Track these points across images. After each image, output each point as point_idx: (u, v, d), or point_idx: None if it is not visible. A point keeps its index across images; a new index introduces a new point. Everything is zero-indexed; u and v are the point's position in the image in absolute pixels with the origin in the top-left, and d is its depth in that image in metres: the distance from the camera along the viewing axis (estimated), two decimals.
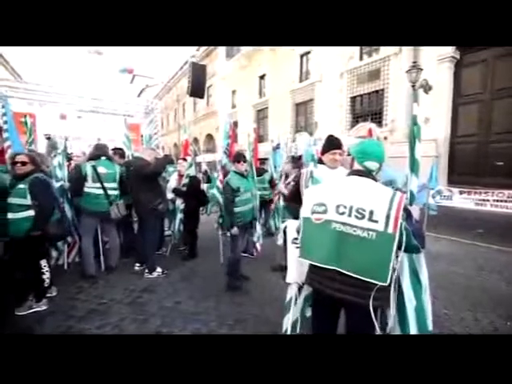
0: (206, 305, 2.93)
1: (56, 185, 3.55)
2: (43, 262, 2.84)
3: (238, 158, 3.24)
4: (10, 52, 18.89)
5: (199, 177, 4.84)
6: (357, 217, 1.26)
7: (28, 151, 3.61)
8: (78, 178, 3.40)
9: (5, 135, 4.04)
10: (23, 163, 2.66)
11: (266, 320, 2.59)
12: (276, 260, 3.65)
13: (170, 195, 4.16)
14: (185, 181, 4.07)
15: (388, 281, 1.19)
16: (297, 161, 3.89)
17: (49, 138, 5.34)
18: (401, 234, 1.18)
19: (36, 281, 2.83)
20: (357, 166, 1.42)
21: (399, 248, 1.21)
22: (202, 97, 9.89)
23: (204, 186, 4.71)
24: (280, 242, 1.99)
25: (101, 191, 3.43)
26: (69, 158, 4.37)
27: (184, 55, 24.56)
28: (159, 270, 3.63)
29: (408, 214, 1.25)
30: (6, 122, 4.05)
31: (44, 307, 2.84)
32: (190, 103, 23.68)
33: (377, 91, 9.75)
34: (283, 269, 3.39)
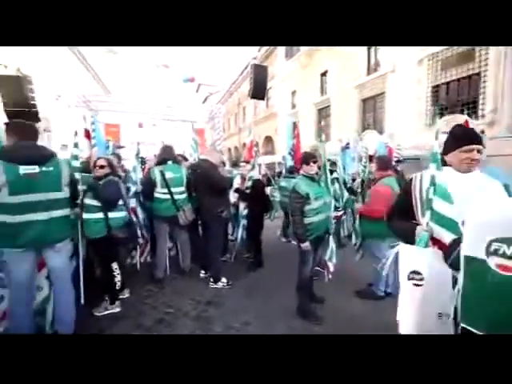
0: (276, 329, 2.61)
1: (132, 188, 3.69)
2: (114, 265, 2.89)
3: (308, 158, 2.73)
4: (101, 68, 21.93)
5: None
6: None
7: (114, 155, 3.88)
8: (148, 184, 3.45)
9: (93, 142, 4.58)
10: (101, 166, 2.79)
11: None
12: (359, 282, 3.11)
13: (232, 199, 3.97)
14: (248, 184, 3.80)
15: None
16: (387, 161, 3.19)
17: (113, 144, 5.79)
18: None
19: (109, 283, 2.89)
20: None
21: None
22: (263, 98, 9.74)
23: (267, 190, 4.42)
24: (383, 269, 1.49)
25: (168, 196, 3.41)
26: (143, 162, 4.63)
27: (244, 61, 25.19)
28: (224, 280, 3.44)
29: None
30: (94, 130, 4.57)
31: (117, 309, 2.90)
32: (250, 107, 24.09)
33: (469, 76, 8.12)
34: (376, 297, 2.93)
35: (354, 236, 3.44)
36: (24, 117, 4.59)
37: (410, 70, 9.72)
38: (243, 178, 3.99)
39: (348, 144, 6.24)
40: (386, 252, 1.38)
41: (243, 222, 3.94)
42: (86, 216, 2.74)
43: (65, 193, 2.26)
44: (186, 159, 4.25)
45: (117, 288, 2.93)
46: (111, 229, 2.74)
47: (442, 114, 8.69)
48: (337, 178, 3.64)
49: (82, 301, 3.02)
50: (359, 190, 4.35)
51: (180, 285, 3.51)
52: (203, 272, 3.69)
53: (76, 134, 3.19)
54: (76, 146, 3.09)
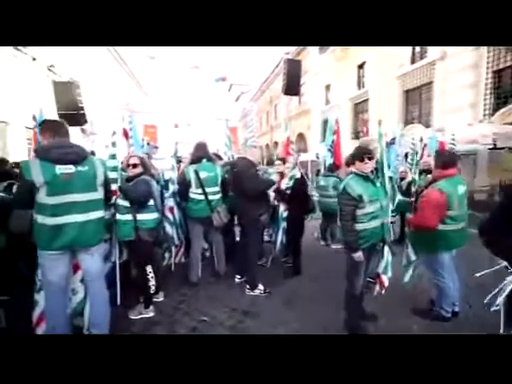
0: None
1: (171, 187, 3.60)
2: (148, 268, 2.78)
3: (362, 154, 2.30)
4: (140, 72, 23.10)
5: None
6: None
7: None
8: (182, 183, 3.32)
9: (131, 141, 4.67)
10: (134, 165, 2.70)
11: None
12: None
13: (271, 199, 3.70)
14: (288, 183, 3.47)
15: None
16: (449, 157, 2.58)
17: (148, 144, 5.84)
18: None
19: (143, 286, 2.80)
20: None
21: None
22: (297, 94, 9.38)
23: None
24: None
25: (203, 197, 3.25)
26: (179, 161, 4.58)
27: (275, 58, 24.88)
28: (261, 287, 3.19)
29: None
30: (131, 130, 4.66)
31: (151, 314, 2.80)
32: (282, 104, 23.69)
33: None
34: (442, 319, 2.41)
35: (406, 252, 2.79)
36: (73, 119, 4.83)
37: (464, 55, 8.65)
38: (280, 177, 3.70)
39: (394, 139, 5.65)
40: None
41: (283, 224, 3.65)
42: (117, 217, 2.67)
43: (99, 193, 2.17)
44: (220, 158, 4.08)
45: (151, 292, 2.83)
46: (139, 231, 2.62)
47: (505, 103, 7.60)
48: (390, 177, 3.18)
49: (118, 301, 3.01)
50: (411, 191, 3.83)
51: (214, 290, 3.34)
52: (239, 277, 3.49)
53: (114, 133, 3.16)
54: (114, 145, 3.06)
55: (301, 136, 20.68)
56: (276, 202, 3.56)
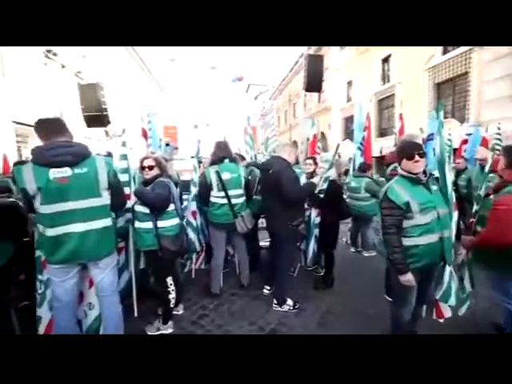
0: None
1: (192, 189, 3.36)
2: (169, 280, 2.53)
3: (411, 150, 1.84)
4: (160, 74, 23.51)
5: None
6: None
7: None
8: (203, 186, 3.03)
9: (149, 141, 4.61)
10: (150, 167, 2.44)
11: None
12: None
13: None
14: (322, 186, 3.07)
15: None
16: None
17: (167, 145, 5.73)
18: None
19: (163, 300, 2.55)
20: None
21: None
22: (319, 90, 8.96)
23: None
24: None
25: (225, 200, 2.96)
26: (199, 162, 4.38)
27: (293, 57, 24.41)
28: (290, 302, 2.85)
29: None
30: (150, 129, 4.64)
31: (170, 330, 2.55)
32: (300, 103, 23.19)
33: None
34: None
35: (464, 281, 2.28)
36: (98, 120, 4.80)
37: None
38: (309, 178, 3.32)
39: (431, 135, 5.10)
40: None
41: (315, 231, 3.27)
42: (136, 225, 2.44)
43: (104, 199, 1.90)
44: (243, 158, 3.77)
45: (171, 306, 2.57)
46: (161, 240, 2.37)
47: None
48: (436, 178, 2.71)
49: (136, 313, 2.79)
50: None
51: (238, 303, 3.04)
52: (268, 288, 3.14)
53: (124, 131, 2.95)
54: (124, 144, 2.83)
55: (321, 135, 20.08)
56: (307, 206, 3.20)
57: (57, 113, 4.68)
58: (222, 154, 2.98)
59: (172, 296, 2.55)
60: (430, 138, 5.24)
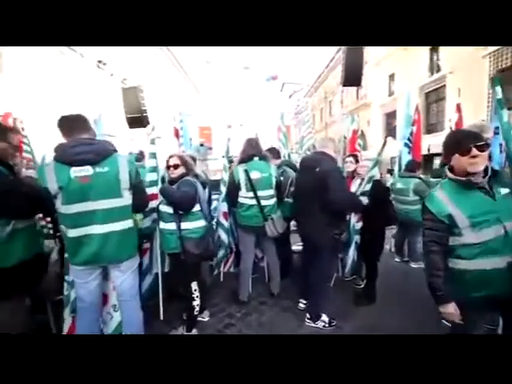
0: None
1: (223, 190, 3.21)
2: (194, 286, 2.37)
3: (467, 141, 1.36)
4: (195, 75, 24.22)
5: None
6: None
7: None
8: (231, 186, 2.84)
9: (181, 141, 4.66)
10: (175, 166, 2.31)
11: None
12: None
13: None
14: (366, 187, 2.65)
15: None
16: None
17: (202, 145, 5.72)
18: None
19: (187, 306, 2.41)
20: None
21: None
22: (358, 84, 8.38)
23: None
24: None
25: (254, 201, 2.73)
26: (230, 161, 4.26)
27: (329, 54, 23.52)
28: (325, 318, 2.52)
29: None
30: (181, 128, 4.71)
31: None
32: (336, 100, 22.26)
33: None
34: None
35: None
36: (138, 121, 5.00)
37: None
38: (350, 178, 2.95)
39: (497, 128, 4.36)
40: None
41: (356, 237, 2.88)
42: (161, 226, 2.33)
43: (125, 199, 1.78)
44: (278, 155, 3.48)
45: (195, 313, 2.42)
46: (184, 243, 2.22)
47: None
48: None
49: (161, 316, 2.70)
50: None
51: (268, 314, 2.79)
52: (303, 302, 2.82)
53: (153, 129, 2.88)
54: (153, 142, 2.75)
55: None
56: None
57: (96, 116, 4.86)
58: (251, 151, 2.76)
59: (196, 303, 2.39)
60: (496, 131, 4.51)
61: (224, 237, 3.23)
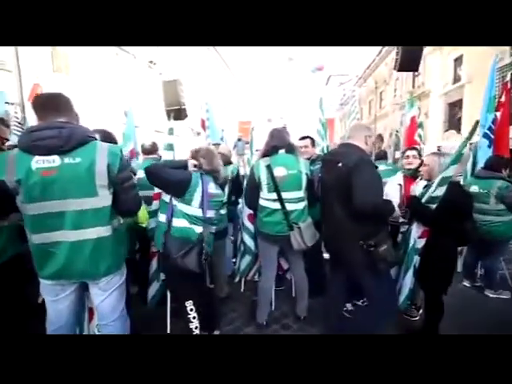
0: None
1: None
2: (189, 305, 1.91)
3: None
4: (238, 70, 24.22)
5: None
6: None
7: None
8: (251, 185, 2.31)
9: (207, 132, 4.43)
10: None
11: None
12: None
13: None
14: (437, 191, 1.88)
15: None
16: None
17: (239, 140, 5.55)
18: None
19: (184, 327, 1.98)
20: None
21: None
22: (416, 69, 7.20)
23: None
24: None
25: (278, 205, 2.19)
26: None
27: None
28: None
29: None
30: (208, 119, 4.45)
31: None
32: (389, 90, 20.21)
33: None
34: None
35: None
36: (178, 113, 4.92)
37: None
38: (410, 178, 2.20)
39: None
40: None
41: (415, 258, 2.09)
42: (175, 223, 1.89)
43: (101, 199, 1.39)
44: (313, 143, 2.89)
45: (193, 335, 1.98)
46: (167, 241, 1.84)
47: None
48: None
49: (168, 330, 2.38)
50: None
51: None
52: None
53: (169, 117, 2.52)
54: (171, 131, 2.38)
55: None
56: (402, 220, 2.13)
57: (127, 108, 4.79)
58: (275, 143, 2.20)
59: (194, 325, 1.93)
60: None
61: (249, 242, 2.81)
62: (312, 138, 2.97)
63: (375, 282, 1.78)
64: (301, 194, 2.20)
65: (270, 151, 2.21)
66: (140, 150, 3.20)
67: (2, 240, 1.67)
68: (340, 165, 1.78)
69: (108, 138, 2.33)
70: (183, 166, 1.94)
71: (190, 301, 1.89)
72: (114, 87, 10.77)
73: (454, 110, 13.61)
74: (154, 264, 2.50)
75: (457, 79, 13.38)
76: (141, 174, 2.54)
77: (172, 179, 1.83)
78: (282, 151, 2.19)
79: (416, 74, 15.93)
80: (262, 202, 2.26)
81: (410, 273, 2.08)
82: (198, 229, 1.86)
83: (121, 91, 10.91)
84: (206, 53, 18.10)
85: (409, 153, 2.38)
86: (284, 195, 2.16)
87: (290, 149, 2.20)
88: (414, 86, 17.08)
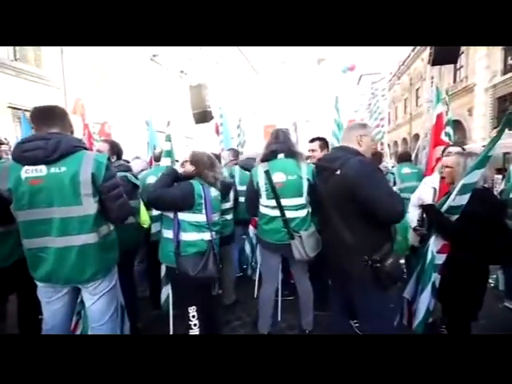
0: None
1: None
2: (191, 311, 1.90)
3: None
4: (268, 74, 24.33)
5: None
6: None
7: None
8: (250, 191, 2.23)
9: (220, 137, 4.53)
10: (183, 162, 2.03)
11: None
12: None
13: (414, 222, 2.06)
14: (456, 201, 1.62)
15: None
16: None
17: None
18: None
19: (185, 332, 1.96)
20: None
21: None
22: (454, 61, 6.55)
23: None
24: None
25: (277, 212, 2.08)
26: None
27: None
28: None
29: None
30: (221, 124, 4.56)
31: None
32: (425, 87, 18.85)
33: None
34: None
35: None
36: (203, 116, 5.10)
37: None
38: (447, 184, 1.90)
39: None
40: None
41: (434, 276, 1.80)
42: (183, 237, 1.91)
43: (86, 207, 1.43)
44: (326, 146, 2.72)
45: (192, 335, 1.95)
46: (180, 257, 1.86)
47: None
48: None
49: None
50: None
51: None
52: None
53: (169, 124, 2.53)
54: (168, 138, 2.40)
55: (456, 124, 15.52)
56: (423, 231, 1.89)
57: (148, 117, 4.94)
58: (274, 146, 2.11)
59: (195, 332, 1.91)
60: None
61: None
62: (324, 140, 2.80)
63: (376, 301, 1.59)
64: (302, 200, 2.07)
65: (268, 156, 2.11)
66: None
67: (9, 244, 1.79)
68: (338, 173, 1.61)
69: (115, 147, 2.43)
70: (173, 178, 1.95)
71: (194, 307, 1.90)
72: (148, 97, 11.43)
73: (505, 105, 12.21)
74: (164, 268, 2.52)
75: (507, 69, 12.03)
76: (152, 179, 2.61)
77: (178, 196, 1.85)
78: (281, 156, 2.08)
79: (458, 66, 14.66)
80: (261, 209, 2.17)
81: (428, 292, 1.80)
82: (206, 236, 1.90)
83: (155, 100, 11.54)
84: (233, 59, 18.46)
85: (451, 149, 2.07)
86: (283, 202, 2.05)
87: (290, 153, 2.09)
88: (455, 81, 15.72)
